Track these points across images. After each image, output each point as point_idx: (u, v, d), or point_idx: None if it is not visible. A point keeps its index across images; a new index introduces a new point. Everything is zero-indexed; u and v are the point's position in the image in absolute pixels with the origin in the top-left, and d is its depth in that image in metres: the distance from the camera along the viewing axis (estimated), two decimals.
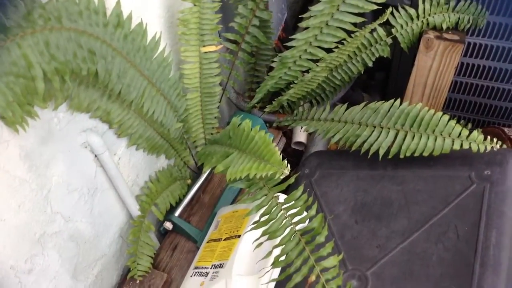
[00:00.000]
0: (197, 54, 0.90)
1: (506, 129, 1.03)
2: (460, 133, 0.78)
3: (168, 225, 0.93)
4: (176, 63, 0.91)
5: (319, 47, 0.94)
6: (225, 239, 0.83)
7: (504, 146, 0.83)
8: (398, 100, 0.85)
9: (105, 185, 0.79)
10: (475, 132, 0.78)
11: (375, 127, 0.86)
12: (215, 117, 0.99)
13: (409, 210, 0.80)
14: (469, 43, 0.99)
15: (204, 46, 0.90)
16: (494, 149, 0.76)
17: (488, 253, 0.68)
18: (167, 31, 0.89)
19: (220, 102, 0.99)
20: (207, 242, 0.87)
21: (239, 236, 0.80)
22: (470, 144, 0.77)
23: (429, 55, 0.99)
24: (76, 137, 0.70)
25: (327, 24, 0.91)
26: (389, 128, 0.84)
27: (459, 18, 0.98)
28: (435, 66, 1.00)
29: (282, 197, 0.82)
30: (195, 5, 0.85)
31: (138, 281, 0.86)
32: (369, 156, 0.84)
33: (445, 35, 0.97)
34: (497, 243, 0.68)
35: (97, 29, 0.66)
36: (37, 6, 0.58)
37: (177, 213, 0.93)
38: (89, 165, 0.74)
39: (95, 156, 0.74)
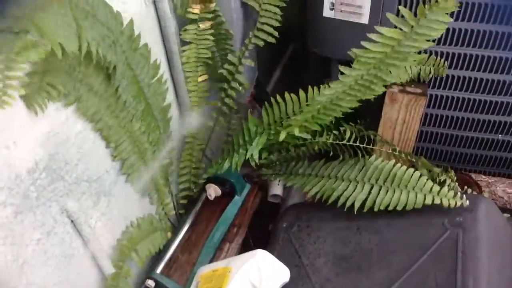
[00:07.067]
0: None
1: (473, 175, 1.08)
2: (431, 189, 0.83)
3: (150, 283, 0.91)
4: None
5: None
6: None
7: (474, 192, 0.87)
8: (374, 156, 0.89)
9: (81, 250, 0.77)
10: (445, 188, 0.82)
11: (350, 181, 0.89)
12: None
13: (388, 259, 0.81)
14: (431, 95, 1.05)
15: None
16: (464, 205, 0.80)
17: None
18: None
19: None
20: None
21: None
22: (441, 199, 0.81)
23: (394, 108, 1.04)
24: (53, 204, 0.69)
25: None
26: (364, 182, 0.87)
27: (420, 69, 1.04)
28: (401, 118, 1.05)
29: (262, 253, 0.83)
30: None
31: None
32: (345, 209, 0.87)
33: (408, 89, 1.03)
34: None
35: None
36: None
37: (158, 270, 0.92)
38: (65, 231, 0.72)
39: (71, 221, 0.73)
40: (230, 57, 0.99)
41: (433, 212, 0.83)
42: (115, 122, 0.78)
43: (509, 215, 0.99)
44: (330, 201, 0.89)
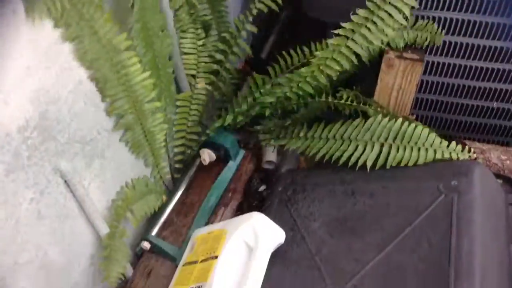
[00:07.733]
0: None
1: (467, 142, 1.08)
2: (440, 144, 0.84)
3: (145, 245, 0.91)
4: None
5: None
6: (201, 261, 0.82)
7: None
8: (380, 116, 0.89)
9: (75, 211, 0.76)
10: (453, 143, 0.84)
11: (359, 141, 0.89)
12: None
13: (383, 222, 0.81)
14: (428, 62, 1.04)
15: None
16: (472, 158, 0.81)
17: (461, 261, 0.70)
18: None
19: None
20: (183, 265, 0.86)
21: (216, 257, 0.79)
22: (450, 153, 0.83)
23: (391, 74, 1.03)
24: (45, 163, 0.68)
25: None
26: (373, 142, 0.88)
27: (417, 35, 1.02)
28: (397, 84, 1.04)
29: (258, 215, 0.83)
30: None
31: None
32: (356, 169, 0.88)
33: (405, 55, 1.01)
34: (469, 251, 0.70)
35: None
36: None
37: (153, 232, 0.92)
38: (59, 191, 0.72)
39: (65, 181, 0.72)
40: (234, 20, 0.97)
41: (428, 177, 0.83)
42: (114, 77, 0.76)
43: (501, 180, 0.99)
44: (340, 162, 0.89)
